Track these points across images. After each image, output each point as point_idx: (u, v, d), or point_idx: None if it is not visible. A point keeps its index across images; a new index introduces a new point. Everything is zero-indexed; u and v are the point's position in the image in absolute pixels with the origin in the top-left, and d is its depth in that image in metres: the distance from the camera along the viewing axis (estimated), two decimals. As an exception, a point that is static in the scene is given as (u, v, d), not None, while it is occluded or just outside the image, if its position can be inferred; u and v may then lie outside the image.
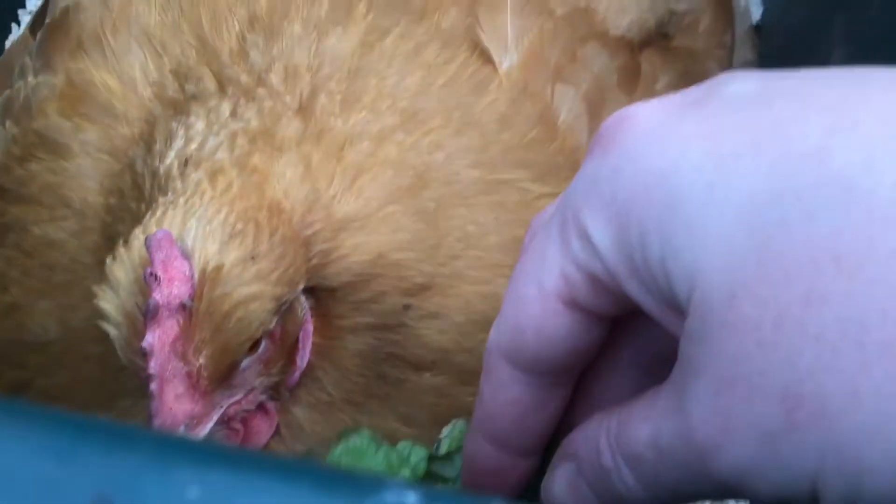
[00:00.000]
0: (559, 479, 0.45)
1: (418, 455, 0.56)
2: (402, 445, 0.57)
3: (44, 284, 0.68)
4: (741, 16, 0.99)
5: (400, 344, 0.61)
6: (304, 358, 0.61)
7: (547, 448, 0.49)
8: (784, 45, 1.06)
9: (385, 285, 0.60)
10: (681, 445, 0.38)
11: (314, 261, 0.58)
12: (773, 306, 0.33)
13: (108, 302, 0.54)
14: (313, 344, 0.61)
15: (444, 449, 0.56)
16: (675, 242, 0.36)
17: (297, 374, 0.61)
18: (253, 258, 0.54)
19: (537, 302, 0.42)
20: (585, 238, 0.40)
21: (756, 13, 1.10)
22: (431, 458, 0.56)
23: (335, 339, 0.61)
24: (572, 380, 0.47)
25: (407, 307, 0.61)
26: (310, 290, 0.60)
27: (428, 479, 0.56)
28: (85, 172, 0.67)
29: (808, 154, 0.34)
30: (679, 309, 0.37)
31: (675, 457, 0.38)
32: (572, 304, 0.42)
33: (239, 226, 0.54)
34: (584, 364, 0.46)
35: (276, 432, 0.61)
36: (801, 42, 1.04)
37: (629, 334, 0.46)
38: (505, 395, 0.45)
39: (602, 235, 0.39)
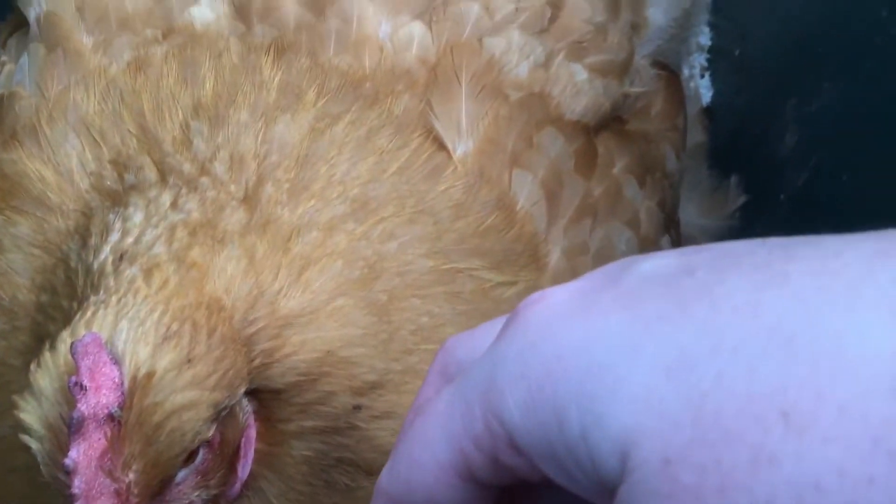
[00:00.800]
0: None
1: None
2: None
3: (-32, 389, 0.63)
4: (691, 98, 1.00)
5: (350, 448, 0.57)
6: (245, 467, 0.56)
7: None
8: (736, 127, 1.07)
9: (333, 384, 0.57)
10: None
11: (256, 361, 0.55)
12: (714, 472, 0.30)
13: (29, 413, 0.49)
14: (256, 451, 0.57)
15: None
16: (598, 411, 0.33)
17: (237, 485, 0.56)
18: (189, 361, 0.50)
19: (431, 472, 0.40)
20: (495, 420, 0.37)
21: (706, 95, 1.12)
22: None
23: (280, 445, 0.57)
24: None
25: (357, 408, 0.57)
26: (252, 393, 0.56)
27: None
28: (15, 268, 0.63)
29: (739, 308, 0.32)
30: (606, 486, 0.34)
31: None
32: (470, 478, 0.40)
33: (174, 326, 0.51)
34: None
35: None
36: (753, 124, 1.05)
37: (528, 495, 0.43)
38: None
39: (513, 416, 0.36)
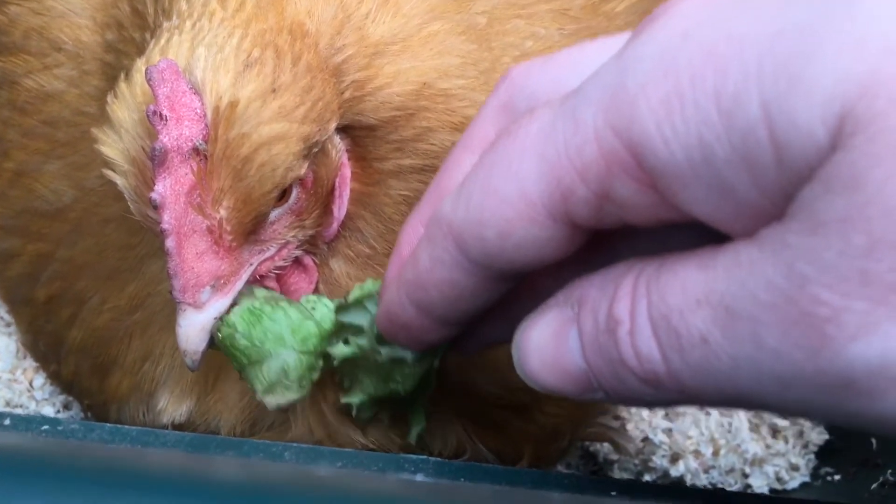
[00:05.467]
0: (544, 324, 0.39)
1: (324, 309, 0.50)
2: (306, 299, 0.51)
3: (48, 144, 0.60)
4: None
5: None
6: (341, 207, 0.53)
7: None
8: None
9: (432, 120, 0.52)
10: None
11: (347, 93, 0.50)
12: None
13: (110, 147, 0.46)
14: (352, 191, 0.53)
15: (353, 296, 0.49)
16: (797, 74, 0.29)
17: (334, 226, 0.53)
18: (274, 91, 0.46)
19: (513, 205, 0.36)
20: (618, 138, 0.33)
21: None
22: (340, 309, 0.50)
23: (377, 185, 0.53)
24: (524, 278, 0.40)
25: (458, 145, 0.52)
26: (344, 129, 0.51)
27: (339, 332, 0.50)
28: (73, 8, 0.58)
29: None
30: (790, 177, 0.30)
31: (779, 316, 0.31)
32: (562, 217, 0.36)
33: (255, 53, 0.46)
34: (546, 267, 0.39)
35: (315, 290, 0.54)
36: None
37: (613, 240, 0.39)
38: (443, 274, 0.40)
39: (647, 126, 0.32)
